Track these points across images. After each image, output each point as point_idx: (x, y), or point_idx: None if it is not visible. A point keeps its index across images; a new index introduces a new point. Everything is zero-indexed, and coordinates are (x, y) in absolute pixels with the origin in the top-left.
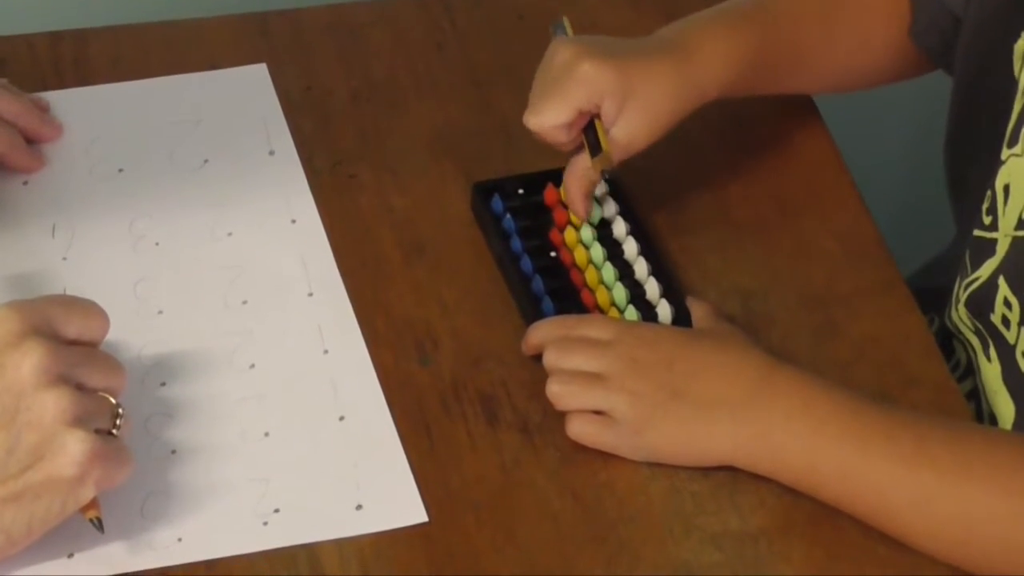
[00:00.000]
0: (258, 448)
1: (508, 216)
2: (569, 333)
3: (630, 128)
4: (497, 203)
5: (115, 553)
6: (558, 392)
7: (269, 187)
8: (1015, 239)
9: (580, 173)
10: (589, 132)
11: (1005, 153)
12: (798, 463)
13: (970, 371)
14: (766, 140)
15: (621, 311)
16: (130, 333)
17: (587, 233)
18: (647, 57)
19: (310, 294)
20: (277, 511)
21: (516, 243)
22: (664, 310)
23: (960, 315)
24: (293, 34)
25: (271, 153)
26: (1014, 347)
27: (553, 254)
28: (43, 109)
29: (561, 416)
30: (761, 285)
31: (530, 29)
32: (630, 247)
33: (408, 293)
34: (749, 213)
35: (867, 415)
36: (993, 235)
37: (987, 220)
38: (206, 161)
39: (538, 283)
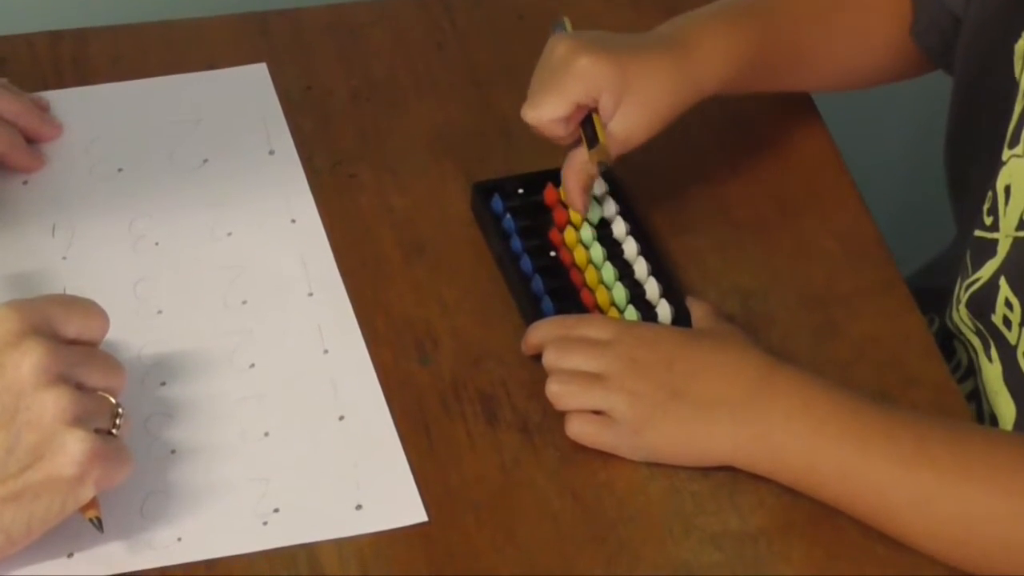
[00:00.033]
0: (258, 448)
1: (508, 216)
2: (569, 333)
3: (628, 122)
4: (497, 203)
5: (115, 553)
6: (557, 392)
7: (269, 187)
8: (1016, 240)
9: (578, 167)
10: (587, 126)
11: (1006, 154)
12: (798, 463)
13: (971, 372)
14: (766, 140)
15: (621, 311)
16: (130, 333)
17: (587, 233)
18: (646, 52)
19: (310, 294)
20: (277, 511)
21: (516, 243)
22: (664, 310)
23: (961, 316)
24: (293, 34)
25: (271, 153)
26: (1015, 348)
27: (553, 254)
28: (43, 109)
29: (561, 416)
30: (761, 285)
31: (530, 29)
32: (630, 247)
33: (408, 293)
34: (749, 213)
35: (867, 415)
36: (994, 235)
37: (988, 220)
38: (206, 161)
39: (538, 283)
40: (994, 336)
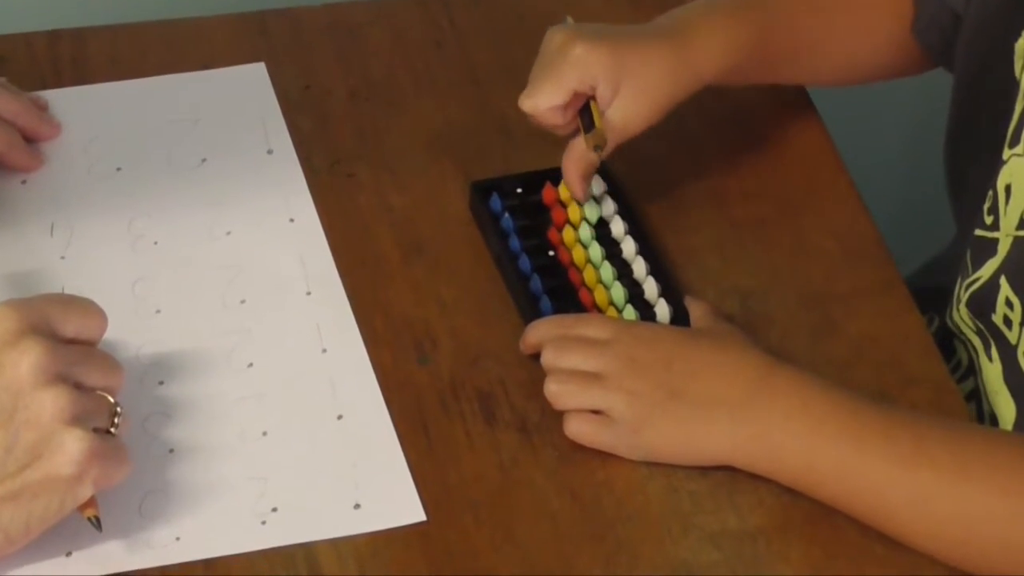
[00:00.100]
0: (256, 447)
1: (506, 215)
2: (567, 332)
3: (626, 111)
4: (495, 202)
5: (113, 552)
6: (556, 391)
7: (267, 186)
8: (1016, 239)
9: (577, 156)
10: (584, 114)
11: (1007, 153)
12: (796, 463)
13: (971, 371)
14: (764, 140)
15: (619, 310)
16: (128, 332)
17: (585, 232)
18: (644, 40)
19: (308, 293)
20: (275, 510)
21: (514, 242)
22: (662, 309)
23: (961, 315)
24: (292, 33)
25: (269, 152)
26: (1015, 347)
27: (551, 253)
28: (42, 108)
29: (559, 415)
30: (760, 284)
31: (529, 28)
32: (628, 246)
33: (407, 292)
34: (748, 212)
35: (865, 415)
36: (994, 235)
37: (988, 220)
38: (204, 160)
39: (536, 282)
40: (994, 336)
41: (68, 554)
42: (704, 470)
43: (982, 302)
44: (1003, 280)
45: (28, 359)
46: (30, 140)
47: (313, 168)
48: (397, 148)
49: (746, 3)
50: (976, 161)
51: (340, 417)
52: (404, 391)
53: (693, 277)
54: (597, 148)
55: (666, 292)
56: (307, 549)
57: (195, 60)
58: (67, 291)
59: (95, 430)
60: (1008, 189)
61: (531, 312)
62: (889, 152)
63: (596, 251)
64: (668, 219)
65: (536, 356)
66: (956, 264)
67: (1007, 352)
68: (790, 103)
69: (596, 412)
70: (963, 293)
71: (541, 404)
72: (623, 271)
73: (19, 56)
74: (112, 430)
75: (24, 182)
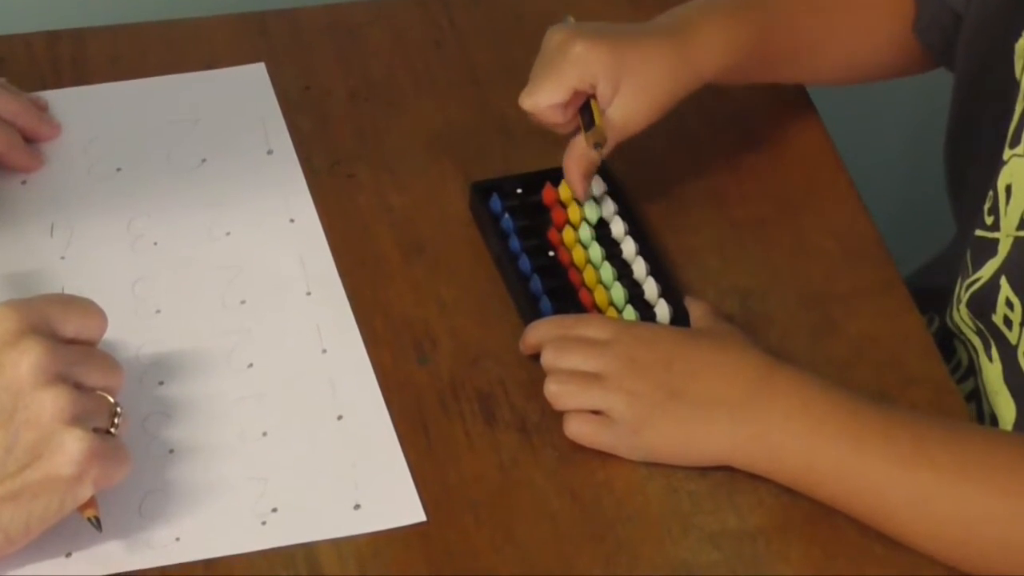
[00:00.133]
0: (256, 447)
1: (506, 215)
2: (567, 333)
3: (626, 108)
4: (495, 202)
5: (113, 552)
6: (556, 392)
7: (267, 186)
8: (1017, 239)
9: (578, 154)
10: (584, 112)
11: (1007, 153)
12: (796, 463)
13: (971, 371)
14: (764, 140)
15: (619, 311)
16: (128, 332)
17: (585, 232)
18: (644, 38)
19: (308, 293)
20: (275, 510)
21: (514, 242)
22: (662, 310)
23: (961, 315)
24: (291, 34)
25: (269, 152)
26: (1016, 347)
27: (551, 253)
28: (41, 108)
29: (559, 416)
30: (759, 284)
31: (529, 28)
32: (628, 247)
33: (406, 292)
34: (747, 212)
35: (865, 415)
36: (995, 235)
37: (989, 220)
38: (204, 160)
39: (536, 282)
40: (994, 336)
41: (68, 554)
42: (704, 470)
43: (982, 302)
44: (1003, 280)
45: (28, 359)
46: (30, 140)
47: (313, 168)
48: (397, 148)
49: (747, 2)
50: (976, 161)
51: (340, 417)
52: (404, 391)
53: (693, 277)
54: (597, 146)
55: (666, 292)
56: (307, 549)
57: (195, 60)
58: (67, 291)
59: (95, 430)
60: (1008, 189)
61: (531, 312)
62: (889, 152)
63: (596, 251)
64: (668, 219)
65: (536, 356)
66: (956, 264)
67: (1007, 352)
68: (790, 103)
69: (596, 412)
70: (963, 293)
71: (541, 404)
72: (623, 271)
73: (19, 56)
74: (112, 430)
75: (24, 182)
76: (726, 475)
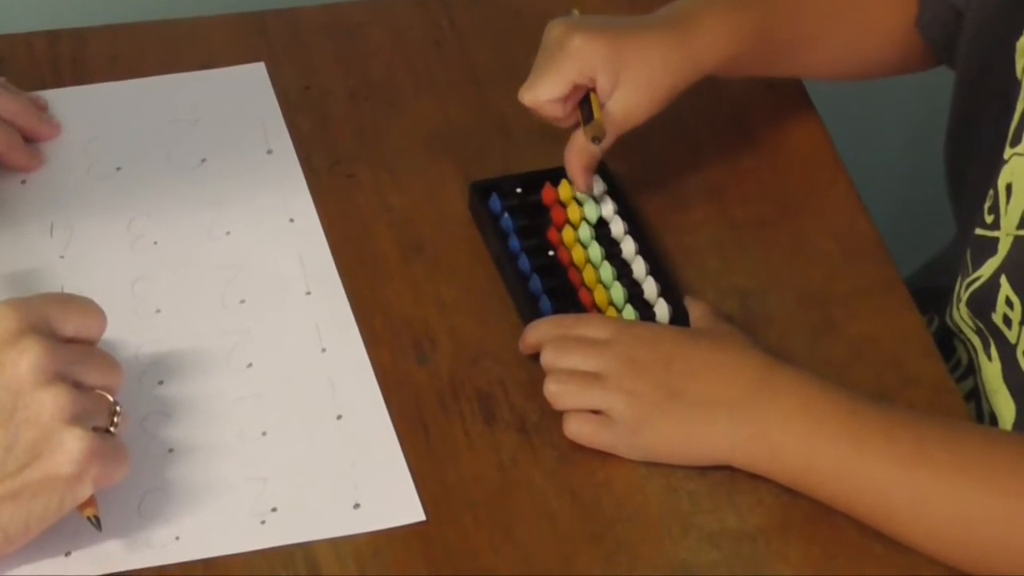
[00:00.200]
0: (256, 447)
1: (506, 215)
2: (567, 332)
3: (626, 102)
4: (495, 202)
5: (113, 551)
6: (555, 391)
7: (267, 186)
8: (1017, 238)
9: (579, 148)
10: (584, 105)
11: (1008, 152)
12: (796, 462)
13: (971, 371)
14: (763, 140)
15: (619, 310)
16: (128, 331)
17: (585, 232)
18: (644, 30)
19: (308, 293)
20: (274, 510)
21: (514, 242)
22: (662, 309)
23: (961, 314)
24: (291, 33)
25: (269, 152)
26: (1015, 346)
27: (551, 253)
28: (41, 108)
29: (559, 415)
30: (759, 284)
31: (529, 27)
32: (628, 246)
33: (406, 292)
34: (747, 212)
35: (865, 415)
36: (995, 234)
37: (989, 219)
38: (204, 160)
39: (536, 282)
40: (994, 335)
41: (67, 554)
42: (703, 470)
43: (982, 301)
44: (1003, 279)
45: (28, 358)
46: (30, 140)
47: (313, 168)
48: (397, 148)
49: None
50: (977, 160)
51: (339, 417)
52: (403, 391)
53: (692, 277)
54: (595, 140)
55: (665, 292)
56: (306, 549)
57: (195, 60)
58: (66, 290)
59: (94, 429)
60: (1009, 188)
61: (530, 312)
62: (889, 152)
63: (596, 251)
64: (667, 219)
65: (536, 356)
66: (956, 264)
67: (1006, 351)
68: (790, 103)
69: (595, 412)
70: (963, 292)
71: (540, 404)
72: (623, 271)
73: (19, 56)
74: (111, 429)
75: (24, 182)
76: (726, 475)
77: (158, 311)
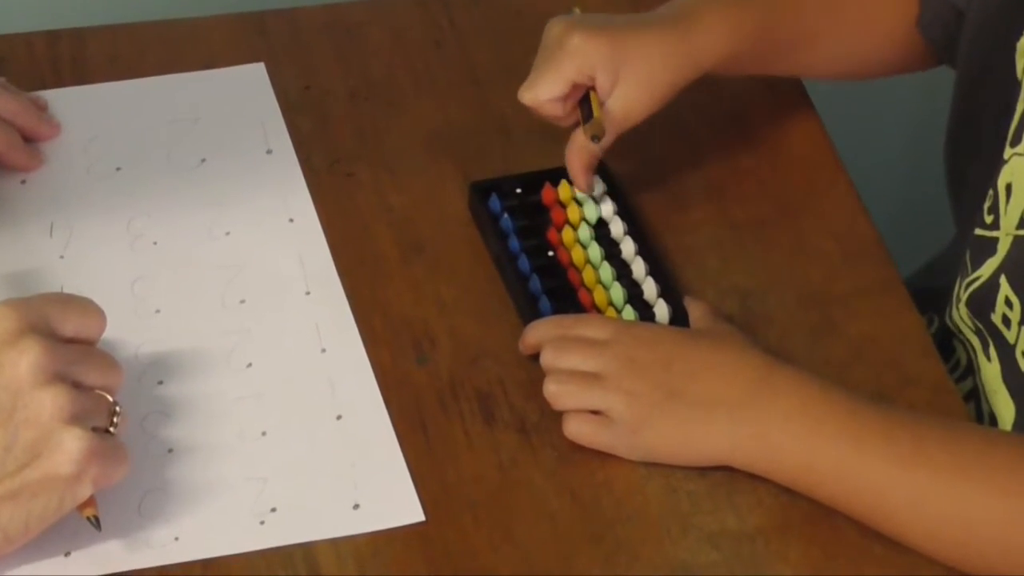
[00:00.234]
0: (255, 447)
1: (506, 215)
2: (566, 332)
3: (626, 100)
4: (495, 202)
5: (112, 551)
6: (555, 392)
7: (267, 186)
8: (1017, 238)
9: (579, 146)
10: (584, 104)
11: (1008, 152)
12: (795, 463)
13: (970, 371)
14: (763, 140)
15: (618, 311)
16: (127, 331)
17: (584, 232)
18: (644, 28)
19: (308, 293)
20: (274, 510)
21: (514, 242)
22: (661, 310)
23: (960, 314)
24: (291, 33)
25: (269, 152)
26: (1014, 347)
27: (551, 253)
28: (41, 108)
29: (558, 416)
30: (759, 285)
31: (529, 27)
32: (627, 246)
33: (406, 292)
34: (747, 213)
35: (864, 415)
36: (994, 234)
37: (988, 219)
38: (204, 160)
39: (535, 282)
40: (993, 335)
41: (67, 554)
42: (703, 470)
43: (982, 301)
44: (1003, 279)
45: (27, 358)
46: (29, 140)
47: (312, 168)
48: (397, 148)
49: None
50: (976, 160)
51: (339, 417)
52: (403, 391)
53: (692, 277)
54: (595, 138)
55: (665, 292)
56: (306, 549)
57: (194, 60)
58: (66, 290)
59: (94, 429)
60: (1009, 188)
61: (530, 312)
62: (889, 152)
63: (595, 251)
64: (667, 219)
65: (535, 356)
66: (956, 264)
67: (1006, 351)
68: (789, 103)
69: (595, 412)
70: (963, 292)
71: (540, 404)
72: (622, 271)
73: (19, 56)
74: (111, 429)
75: (24, 182)
76: (725, 475)
77: (158, 311)
